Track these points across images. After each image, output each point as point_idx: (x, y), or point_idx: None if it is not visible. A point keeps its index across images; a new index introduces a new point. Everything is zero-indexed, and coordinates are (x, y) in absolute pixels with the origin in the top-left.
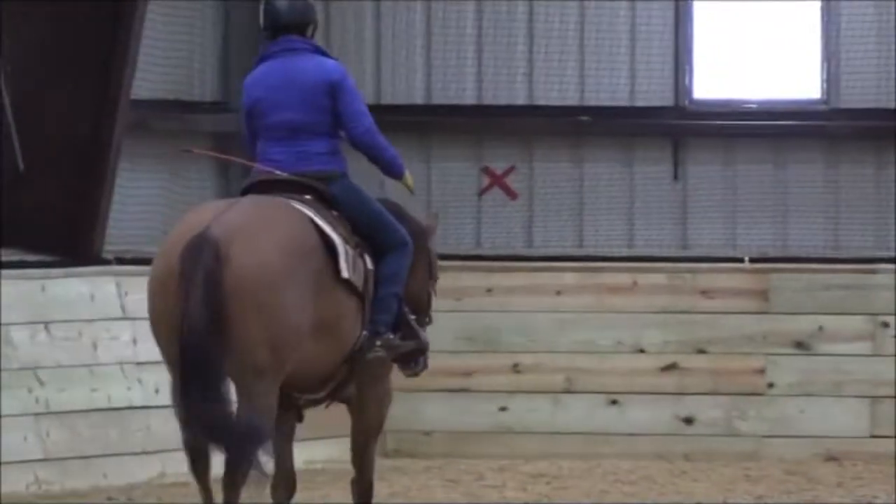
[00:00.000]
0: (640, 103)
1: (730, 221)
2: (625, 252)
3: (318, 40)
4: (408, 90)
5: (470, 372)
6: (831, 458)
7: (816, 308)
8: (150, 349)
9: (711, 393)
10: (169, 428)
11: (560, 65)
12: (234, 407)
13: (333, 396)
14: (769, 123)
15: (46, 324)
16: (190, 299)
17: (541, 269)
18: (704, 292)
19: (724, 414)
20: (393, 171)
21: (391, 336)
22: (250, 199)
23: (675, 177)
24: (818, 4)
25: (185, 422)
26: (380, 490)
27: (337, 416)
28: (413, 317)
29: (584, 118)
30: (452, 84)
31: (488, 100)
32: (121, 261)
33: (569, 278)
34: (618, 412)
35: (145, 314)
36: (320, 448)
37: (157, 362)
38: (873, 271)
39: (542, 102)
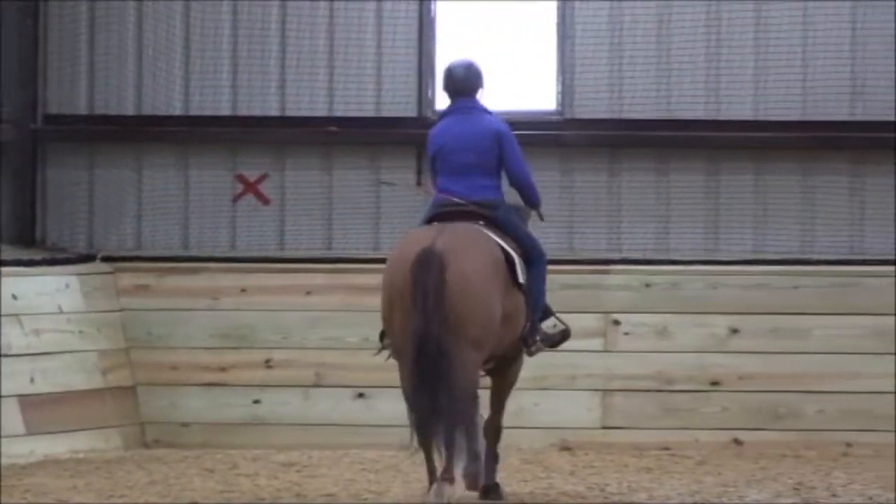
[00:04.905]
0: (385, 114)
1: None
2: (371, 254)
3: (74, 52)
4: (167, 101)
5: (225, 367)
6: (565, 447)
7: (553, 306)
8: None
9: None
10: None
11: (310, 78)
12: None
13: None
14: None
15: None
16: (426, 303)
17: (292, 270)
18: None
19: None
20: (535, 203)
21: (545, 330)
22: (454, 226)
23: (419, 183)
24: (554, 22)
25: (417, 395)
26: (139, 479)
27: (99, 407)
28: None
29: (333, 128)
30: (209, 95)
31: (243, 110)
32: None
33: (318, 279)
34: (364, 405)
35: None
36: (84, 438)
37: None
38: (606, 272)
39: (293, 113)
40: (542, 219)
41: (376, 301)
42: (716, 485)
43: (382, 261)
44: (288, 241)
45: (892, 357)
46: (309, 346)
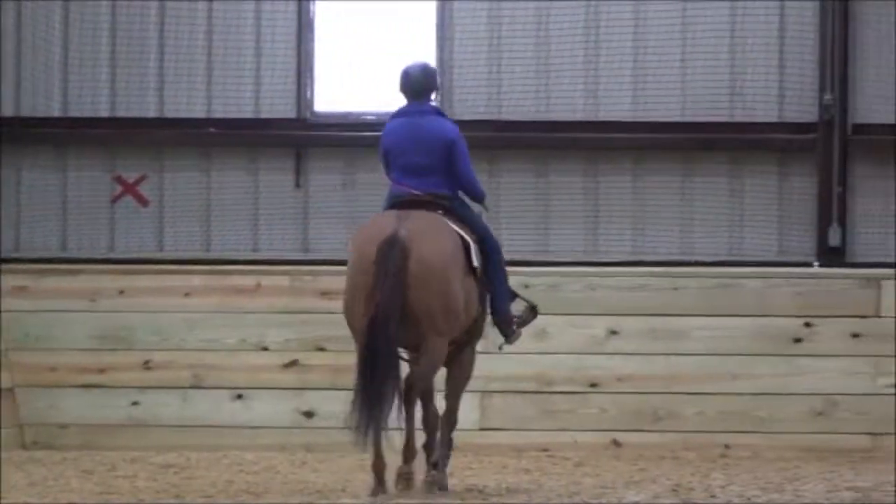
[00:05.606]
0: (264, 115)
1: (347, 225)
2: (250, 255)
3: None
4: (46, 103)
5: (104, 368)
6: None
7: None
8: None
9: (331, 388)
10: None
11: (189, 79)
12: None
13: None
14: None
15: None
16: (385, 284)
17: (170, 271)
18: (325, 293)
19: (343, 408)
20: (479, 199)
21: (516, 315)
22: (416, 213)
23: (298, 185)
24: (433, 23)
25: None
26: (18, 481)
27: None
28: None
29: (212, 130)
30: (87, 97)
31: (122, 112)
32: None
33: (196, 280)
34: (242, 406)
35: None
36: None
37: None
38: None
39: (172, 115)
40: (487, 210)
41: (255, 302)
42: (595, 486)
43: (262, 262)
44: (166, 242)
45: (772, 358)
46: (187, 347)
